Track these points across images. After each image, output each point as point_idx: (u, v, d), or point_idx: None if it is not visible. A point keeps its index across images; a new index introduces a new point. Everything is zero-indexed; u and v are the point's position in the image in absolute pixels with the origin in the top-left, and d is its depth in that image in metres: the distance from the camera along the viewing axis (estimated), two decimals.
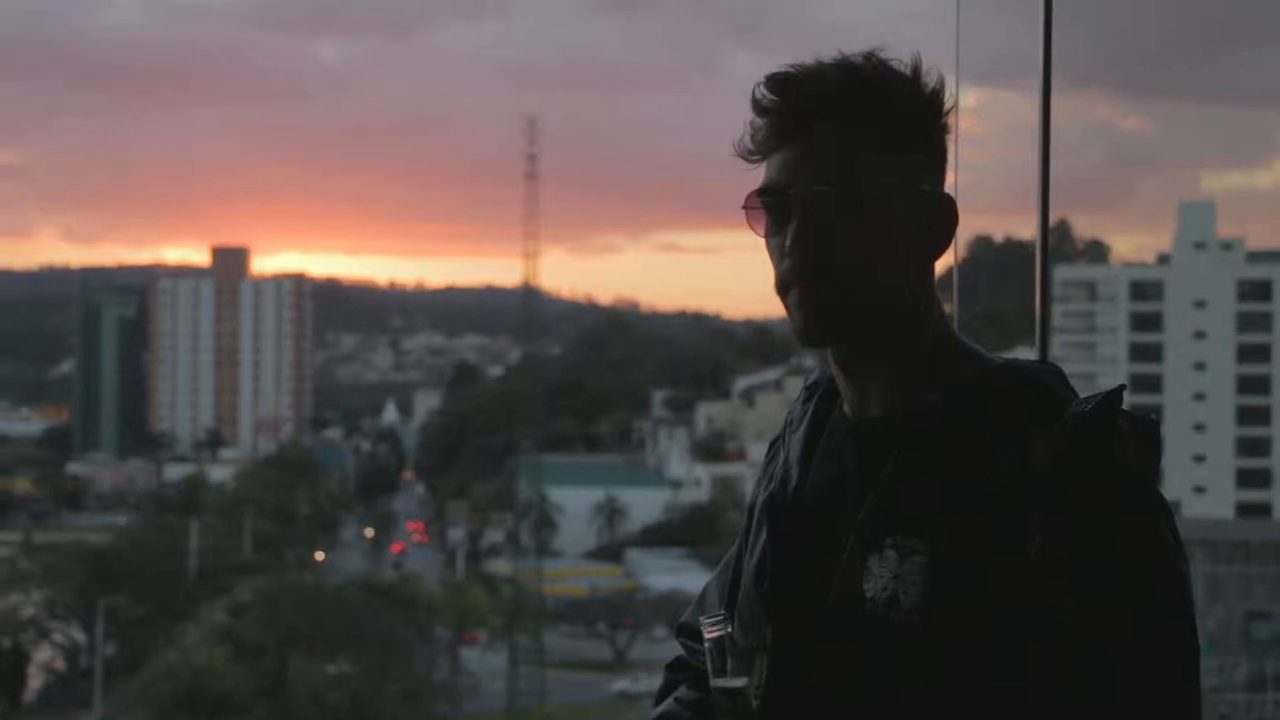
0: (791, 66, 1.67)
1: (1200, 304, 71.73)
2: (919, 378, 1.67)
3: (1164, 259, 76.88)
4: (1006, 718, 1.57)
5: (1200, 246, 73.22)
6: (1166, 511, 1.61)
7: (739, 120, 1.72)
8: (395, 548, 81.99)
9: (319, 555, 66.16)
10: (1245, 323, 71.40)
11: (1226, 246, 73.95)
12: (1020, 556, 1.56)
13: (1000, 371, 1.67)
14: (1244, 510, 69.61)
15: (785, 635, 1.69)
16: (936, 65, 1.69)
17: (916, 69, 1.68)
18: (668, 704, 1.91)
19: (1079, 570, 1.55)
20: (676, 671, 1.94)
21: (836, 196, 1.64)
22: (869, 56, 1.67)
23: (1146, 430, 1.61)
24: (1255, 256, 73.70)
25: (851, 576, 1.63)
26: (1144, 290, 73.42)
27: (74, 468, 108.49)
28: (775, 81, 1.67)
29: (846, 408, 1.72)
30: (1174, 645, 1.57)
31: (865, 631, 1.62)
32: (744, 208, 1.70)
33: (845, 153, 1.65)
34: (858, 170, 1.64)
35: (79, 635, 48.65)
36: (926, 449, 1.62)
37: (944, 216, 1.69)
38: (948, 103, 1.69)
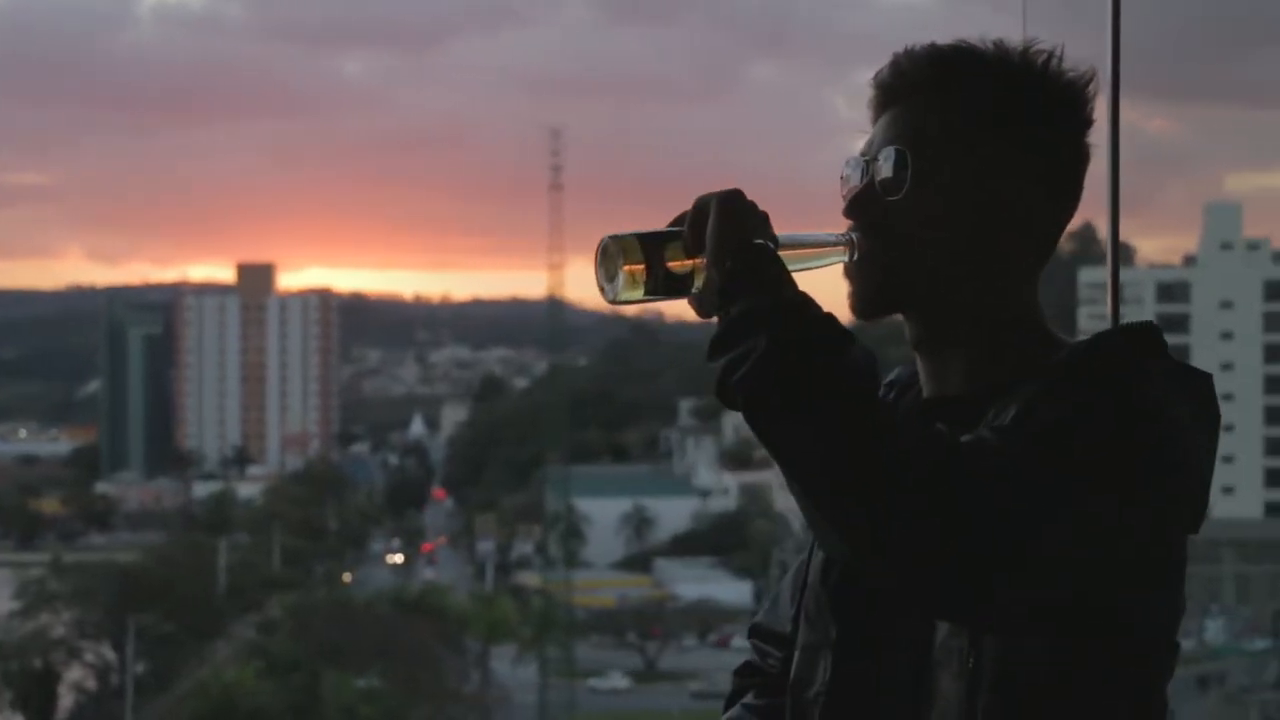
0: (918, 45, 1.67)
1: (1227, 304, 71.46)
2: (993, 360, 1.63)
3: (1190, 260, 76.63)
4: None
5: (1226, 247, 72.95)
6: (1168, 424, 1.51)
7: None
8: (426, 547, 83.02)
9: (346, 577, 66.05)
10: (1272, 323, 71.17)
11: (1253, 247, 73.70)
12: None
13: (1068, 350, 1.62)
14: (1273, 510, 69.31)
15: (849, 630, 1.66)
16: (1089, 73, 1.65)
17: (1038, 62, 1.64)
18: (736, 710, 1.88)
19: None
20: (745, 677, 1.90)
21: (895, 167, 1.62)
22: (997, 43, 1.65)
23: (1183, 375, 1.57)
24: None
25: None
26: (1171, 291, 73.17)
27: (102, 487, 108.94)
28: (900, 52, 1.67)
29: (924, 392, 1.69)
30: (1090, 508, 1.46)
31: (928, 625, 1.59)
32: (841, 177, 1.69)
33: (913, 130, 1.63)
34: (922, 148, 1.61)
35: (109, 654, 48.81)
36: (979, 424, 1.57)
37: (1030, 215, 1.64)
38: (1082, 104, 1.65)
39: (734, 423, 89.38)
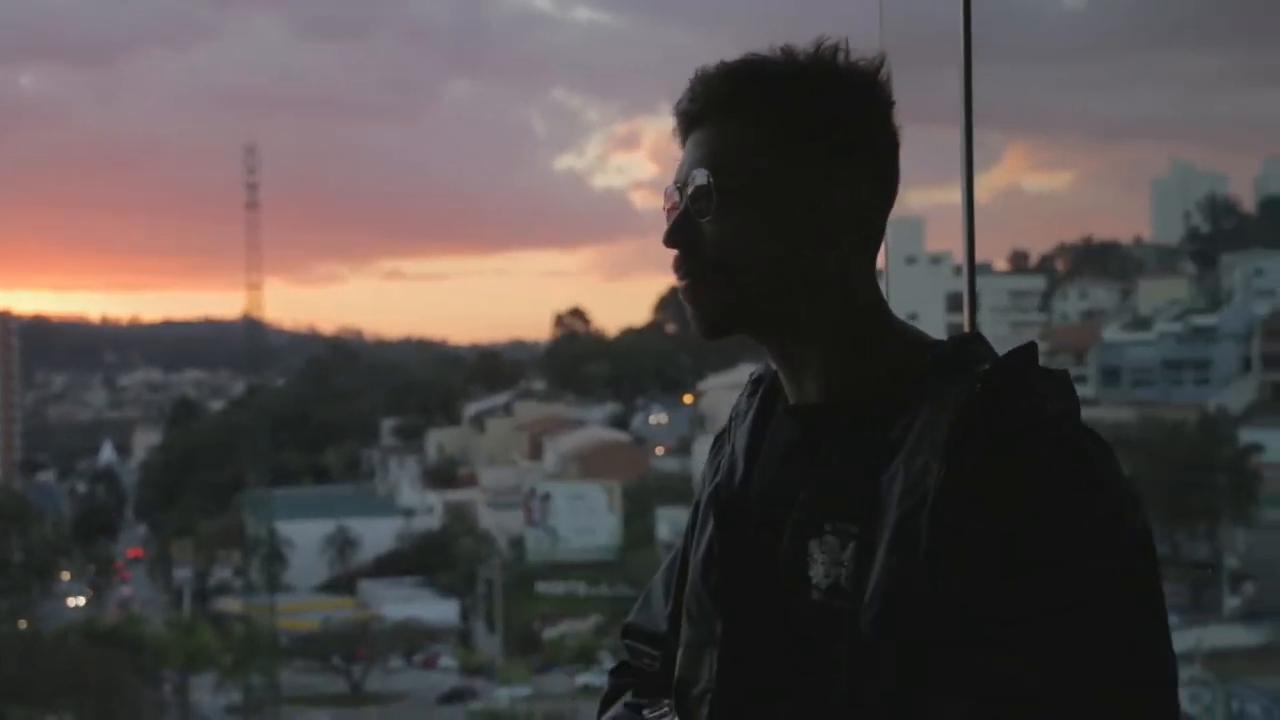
0: (724, 61, 1.64)
1: (913, 317, 73.14)
2: (852, 361, 1.64)
3: (877, 274, 79.65)
4: (960, 714, 1.48)
5: (911, 261, 75.95)
6: (1102, 453, 1.52)
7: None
8: (117, 566, 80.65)
9: (22, 624, 62.56)
10: (955, 333, 74.61)
11: (935, 260, 76.88)
12: (946, 529, 1.48)
13: (930, 347, 1.66)
14: None
15: (734, 628, 1.63)
16: (879, 58, 1.65)
17: (828, 59, 1.64)
18: (618, 709, 1.84)
19: (1012, 544, 1.47)
20: (622, 676, 1.87)
21: (703, 189, 1.61)
22: (785, 49, 1.63)
23: (1060, 379, 1.59)
24: (961, 270, 76.97)
25: (795, 564, 1.57)
26: None
27: None
28: (694, 75, 1.65)
29: (788, 396, 1.69)
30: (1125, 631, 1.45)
31: (813, 621, 1.55)
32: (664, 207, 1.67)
33: (718, 150, 1.61)
34: (729, 167, 1.60)
35: None
36: (859, 429, 1.58)
37: (852, 211, 1.64)
38: (878, 90, 1.65)
39: (437, 441, 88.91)
